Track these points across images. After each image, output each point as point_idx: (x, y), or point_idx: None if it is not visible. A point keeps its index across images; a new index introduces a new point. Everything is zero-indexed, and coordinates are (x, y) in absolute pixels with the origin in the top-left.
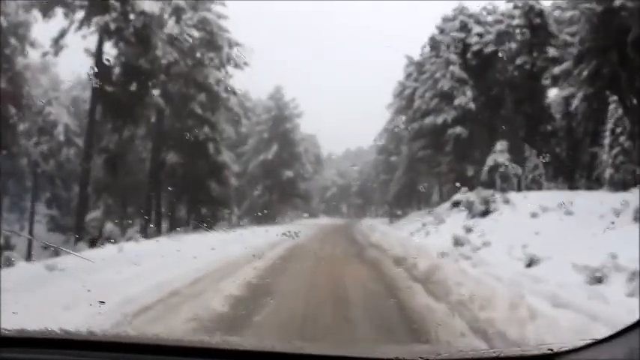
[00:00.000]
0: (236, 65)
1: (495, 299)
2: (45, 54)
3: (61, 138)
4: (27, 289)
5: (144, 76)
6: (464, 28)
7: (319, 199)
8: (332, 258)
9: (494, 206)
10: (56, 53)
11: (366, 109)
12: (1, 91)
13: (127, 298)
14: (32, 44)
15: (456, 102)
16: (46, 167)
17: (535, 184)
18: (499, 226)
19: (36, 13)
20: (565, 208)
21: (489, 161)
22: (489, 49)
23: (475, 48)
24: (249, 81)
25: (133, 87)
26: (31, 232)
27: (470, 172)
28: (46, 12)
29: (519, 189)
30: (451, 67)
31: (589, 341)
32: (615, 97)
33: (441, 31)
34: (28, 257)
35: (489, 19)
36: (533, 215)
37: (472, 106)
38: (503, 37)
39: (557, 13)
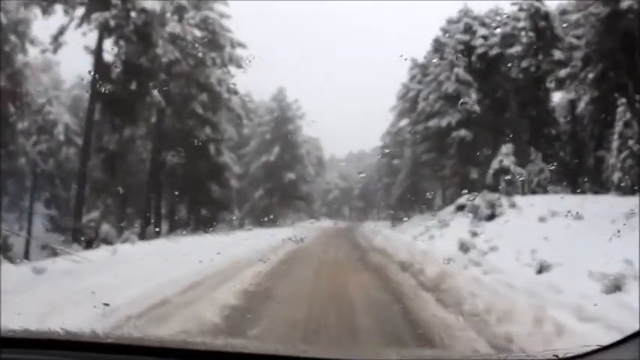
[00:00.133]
0: (238, 65)
1: (515, 312)
2: (44, 51)
3: (61, 137)
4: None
5: (144, 75)
6: (468, 30)
7: (321, 202)
8: (335, 263)
9: (500, 210)
10: (55, 50)
11: (367, 109)
12: (0, 89)
13: (111, 307)
14: (32, 42)
15: (460, 104)
16: (46, 167)
17: (540, 188)
18: (506, 230)
19: (36, 11)
20: (571, 213)
21: (494, 164)
22: (494, 51)
23: (480, 50)
24: (251, 82)
25: (133, 86)
26: (29, 232)
27: (474, 175)
28: (46, 9)
29: (524, 192)
30: (456, 70)
31: (594, 347)
32: (624, 100)
33: (446, 33)
34: (26, 257)
35: (495, 21)
36: (541, 219)
37: (477, 108)
38: (508, 39)
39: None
